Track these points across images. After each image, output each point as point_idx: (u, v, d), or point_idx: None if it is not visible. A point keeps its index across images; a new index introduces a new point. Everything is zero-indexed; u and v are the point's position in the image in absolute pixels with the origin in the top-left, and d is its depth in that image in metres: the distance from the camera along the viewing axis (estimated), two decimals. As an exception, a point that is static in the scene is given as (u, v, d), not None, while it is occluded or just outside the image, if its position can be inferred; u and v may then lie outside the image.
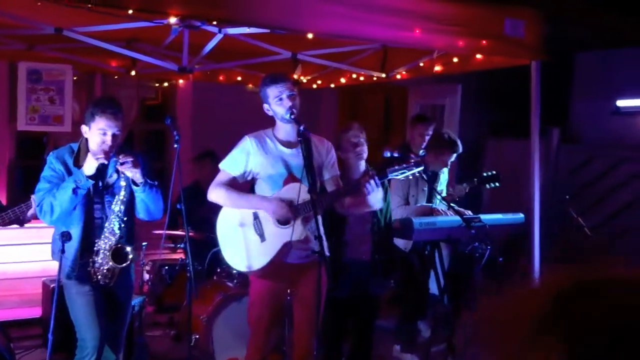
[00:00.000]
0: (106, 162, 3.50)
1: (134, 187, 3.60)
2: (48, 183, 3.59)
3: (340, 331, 4.44)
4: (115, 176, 3.67)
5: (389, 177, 3.84)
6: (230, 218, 3.83)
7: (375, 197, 3.86)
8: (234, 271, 5.01)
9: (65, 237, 3.47)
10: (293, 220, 3.67)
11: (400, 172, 3.81)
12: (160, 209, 3.76)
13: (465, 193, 5.34)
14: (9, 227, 4.44)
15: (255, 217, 3.75)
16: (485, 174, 5.30)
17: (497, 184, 5.26)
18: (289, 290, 3.91)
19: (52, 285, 5.23)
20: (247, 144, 3.74)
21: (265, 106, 3.75)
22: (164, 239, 3.91)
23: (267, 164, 3.72)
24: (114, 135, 3.52)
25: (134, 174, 3.52)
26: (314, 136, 3.83)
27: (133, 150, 3.78)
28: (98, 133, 3.51)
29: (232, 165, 3.77)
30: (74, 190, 3.45)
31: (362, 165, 4.35)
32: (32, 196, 3.70)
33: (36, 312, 5.71)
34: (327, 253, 3.51)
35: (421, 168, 3.84)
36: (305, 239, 3.69)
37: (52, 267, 4.47)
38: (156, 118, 7.98)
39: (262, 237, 3.73)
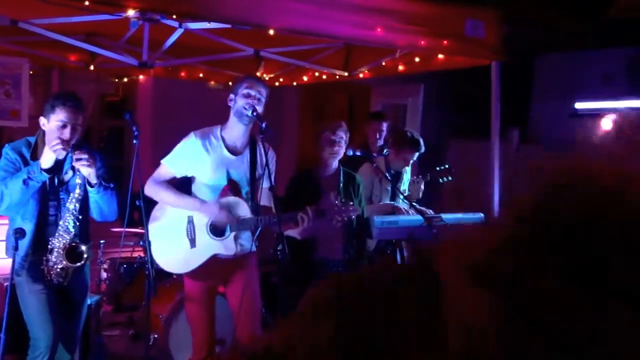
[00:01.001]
0: (63, 153, 3.41)
1: (88, 188, 3.53)
2: (4, 172, 3.51)
3: None
4: (70, 173, 3.59)
5: (327, 216, 3.85)
6: (164, 216, 3.79)
7: (307, 231, 3.88)
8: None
9: (19, 234, 3.40)
10: (227, 234, 3.67)
11: (336, 214, 3.83)
12: (114, 211, 3.69)
13: (423, 192, 5.35)
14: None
15: (190, 221, 3.73)
16: (438, 168, 5.31)
17: (449, 178, 5.27)
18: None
19: (5, 284, 5.10)
20: (192, 142, 3.70)
21: (231, 96, 3.72)
22: (123, 236, 3.84)
23: (208, 168, 3.69)
24: (73, 128, 3.45)
25: (89, 172, 3.44)
26: (261, 142, 3.82)
27: (90, 148, 3.69)
28: (57, 125, 3.44)
29: (174, 163, 3.73)
30: (25, 181, 3.38)
31: (335, 164, 4.37)
32: None
33: (-12, 311, 5.56)
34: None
35: (357, 213, 3.97)
36: (234, 253, 3.70)
37: (5, 265, 4.34)
38: (116, 114, 7.86)
39: (192, 242, 3.71)
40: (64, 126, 3.44)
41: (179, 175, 3.74)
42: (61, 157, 3.52)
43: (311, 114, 8.60)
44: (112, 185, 3.60)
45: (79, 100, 3.54)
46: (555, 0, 7.35)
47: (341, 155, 4.35)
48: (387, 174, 4.97)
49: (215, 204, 3.64)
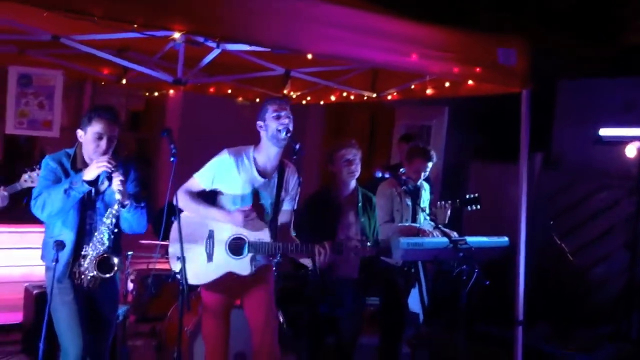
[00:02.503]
0: (110, 171, 3.51)
1: (121, 208, 3.63)
2: (45, 180, 3.64)
3: (320, 347, 4.50)
4: (106, 183, 3.68)
5: (343, 254, 3.87)
6: (187, 226, 3.82)
7: (323, 264, 3.89)
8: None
9: (60, 246, 3.48)
10: (244, 254, 3.74)
11: (352, 252, 3.86)
12: (143, 225, 3.78)
13: (448, 217, 5.40)
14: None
15: (210, 235, 3.81)
16: (467, 196, 5.36)
17: (478, 207, 5.32)
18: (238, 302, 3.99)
19: (34, 292, 5.19)
20: (224, 159, 3.80)
21: (259, 123, 3.79)
22: (158, 248, 3.93)
23: (236, 186, 3.78)
24: (109, 140, 3.57)
25: (121, 193, 3.54)
26: (290, 166, 3.89)
27: (125, 162, 3.78)
28: (94, 137, 3.56)
29: (204, 178, 3.83)
30: (66, 191, 3.47)
31: (353, 183, 4.45)
32: None
33: (16, 317, 5.66)
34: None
35: (372, 254, 3.94)
36: (249, 274, 3.77)
37: (34, 272, 4.42)
38: (139, 125, 7.99)
39: (209, 257, 3.79)
40: (100, 137, 3.56)
41: (208, 189, 3.83)
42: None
43: (332, 132, 8.69)
44: (143, 205, 3.69)
45: (115, 112, 3.65)
46: (574, 27, 7.41)
47: (358, 172, 4.43)
48: (405, 188, 5.02)
49: (234, 212, 3.71)
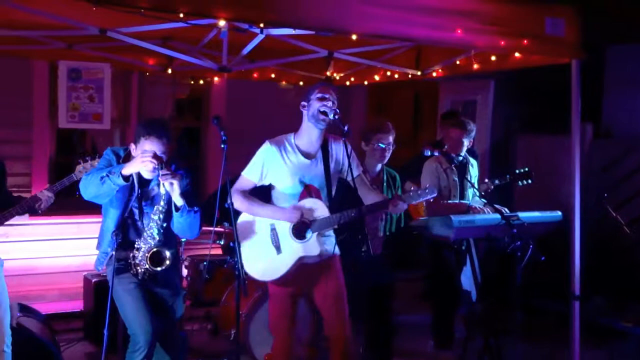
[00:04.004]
0: (150, 174, 3.59)
1: (174, 212, 3.68)
2: (100, 165, 3.76)
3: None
4: (156, 189, 3.75)
5: (407, 203, 3.84)
6: (248, 226, 3.89)
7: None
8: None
9: (117, 235, 3.59)
10: (308, 236, 3.73)
11: (414, 199, 3.82)
12: (196, 231, 3.82)
13: (491, 190, 5.33)
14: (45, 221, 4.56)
15: (273, 228, 3.82)
16: (518, 171, 5.27)
17: (529, 181, 5.24)
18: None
19: (94, 280, 5.35)
20: (268, 150, 3.79)
21: (303, 102, 3.78)
22: (213, 235, 3.98)
23: (285, 174, 3.77)
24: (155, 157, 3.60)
25: (175, 188, 3.59)
26: (331, 138, 3.88)
27: (178, 167, 3.81)
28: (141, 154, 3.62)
29: (252, 172, 3.83)
30: (102, 178, 3.54)
31: (379, 166, 4.56)
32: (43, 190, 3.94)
33: (77, 305, 5.84)
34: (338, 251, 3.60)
35: (434, 194, 3.87)
36: (319, 254, 3.77)
37: (92, 261, 4.56)
38: (184, 113, 8.06)
39: (278, 249, 3.80)
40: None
41: (259, 183, 3.83)
42: (148, 176, 3.69)
43: (376, 112, 8.64)
44: (196, 209, 3.72)
45: (163, 130, 3.65)
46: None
47: (387, 158, 4.53)
48: (452, 165, 4.99)
49: (289, 208, 3.74)
